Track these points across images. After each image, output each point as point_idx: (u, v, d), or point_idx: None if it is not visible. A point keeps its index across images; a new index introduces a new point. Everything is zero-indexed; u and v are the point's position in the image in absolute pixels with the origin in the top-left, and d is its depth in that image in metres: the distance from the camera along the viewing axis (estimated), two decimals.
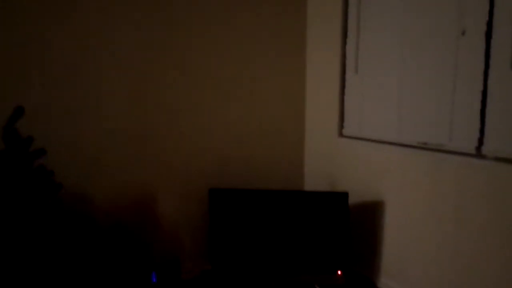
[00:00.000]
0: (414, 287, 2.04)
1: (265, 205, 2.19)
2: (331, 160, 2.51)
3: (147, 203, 2.25)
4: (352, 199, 2.13)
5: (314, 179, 2.66)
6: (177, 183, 2.32)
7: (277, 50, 2.55)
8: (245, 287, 2.21)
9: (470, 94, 1.75)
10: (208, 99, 2.37)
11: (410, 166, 2.03)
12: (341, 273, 2.13)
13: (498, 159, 1.67)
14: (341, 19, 2.35)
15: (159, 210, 2.28)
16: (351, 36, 2.33)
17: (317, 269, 2.17)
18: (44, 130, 1.88)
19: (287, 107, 2.64)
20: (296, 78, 2.65)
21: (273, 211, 2.18)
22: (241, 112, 2.49)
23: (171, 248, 2.28)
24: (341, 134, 2.44)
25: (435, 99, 1.90)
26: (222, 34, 2.36)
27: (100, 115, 2.14)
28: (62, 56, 2.04)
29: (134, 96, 2.20)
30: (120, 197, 2.18)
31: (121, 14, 2.13)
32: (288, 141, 2.67)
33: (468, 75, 1.76)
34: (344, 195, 2.10)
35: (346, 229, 2.11)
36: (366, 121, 2.29)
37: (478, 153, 1.75)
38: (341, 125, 2.44)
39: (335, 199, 2.13)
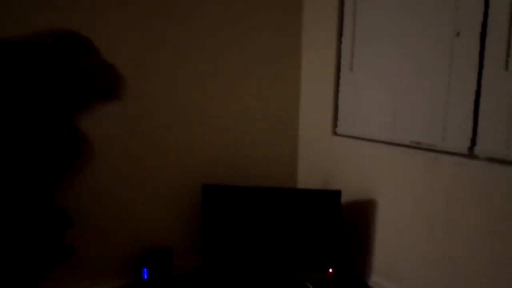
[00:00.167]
0: (405, 286, 2.06)
1: (258, 202, 2.19)
2: (324, 159, 2.51)
3: (140, 199, 2.24)
4: (345, 198, 2.14)
5: (308, 177, 2.66)
6: (170, 179, 2.30)
7: (272, 49, 2.54)
8: (237, 284, 2.21)
9: (464, 95, 1.77)
10: (203, 97, 2.36)
11: (403, 165, 2.04)
12: (332, 271, 2.14)
13: (491, 160, 1.69)
14: (337, 18, 2.36)
15: (152, 206, 2.27)
16: (347, 35, 2.33)
17: (308, 267, 2.17)
18: None
19: (281, 105, 2.63)
20: (291, 77, 2.64)
21: (266, 208, 2.18)
22: (235, 111, 2.48)
23: (163, 244, 2.26)
24: (335, 133, 2.45)
25: (429, 98, 1.92)
26: (218, 33, 2.35)
27: (97, 114, 2.10)
28: None
29: (129, 94, 2.17)
30: (113, 192, 2.16)
31: (120, 13, 2.10)
32: (282, 139, 2.66)
33: (462, 75, 1.77)
34: (337, 193, 2.11)
35: (338, 227, 2.12)
36: (360, 120, 2.29)
37: (471, 153, 1.76)
38: (335, 124, 2.45)
39: (328, 197, 2.13)
